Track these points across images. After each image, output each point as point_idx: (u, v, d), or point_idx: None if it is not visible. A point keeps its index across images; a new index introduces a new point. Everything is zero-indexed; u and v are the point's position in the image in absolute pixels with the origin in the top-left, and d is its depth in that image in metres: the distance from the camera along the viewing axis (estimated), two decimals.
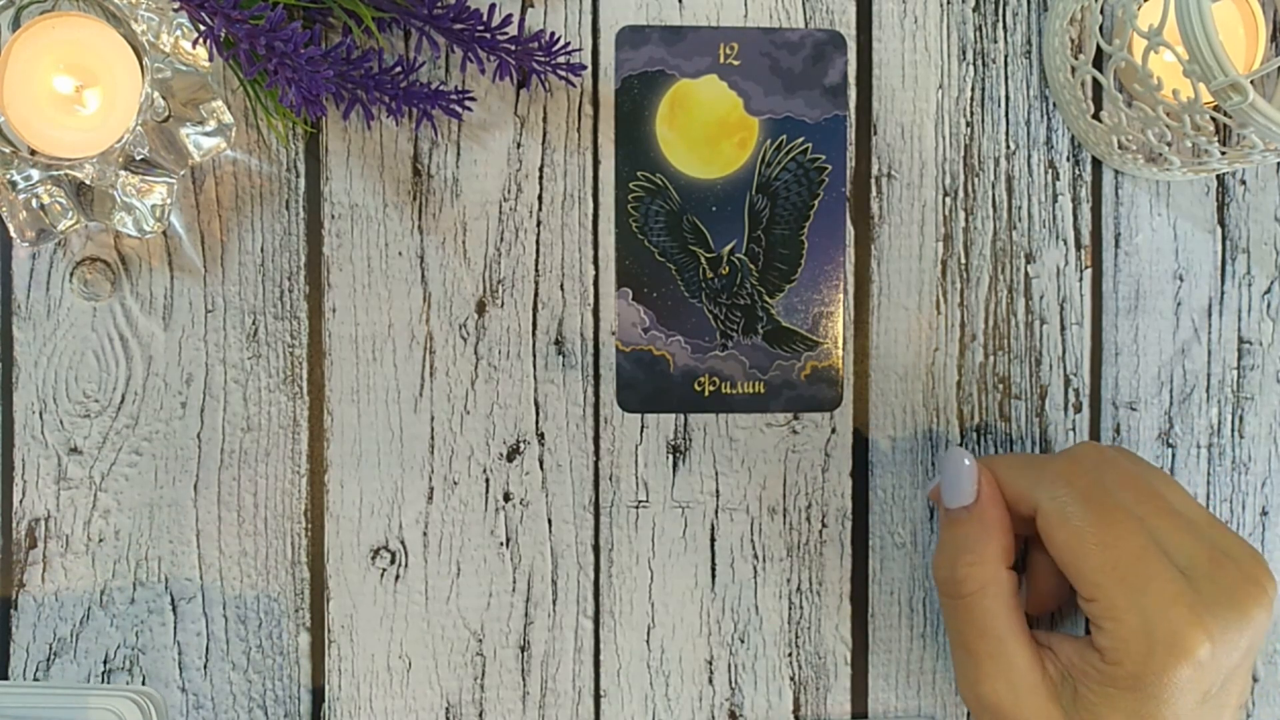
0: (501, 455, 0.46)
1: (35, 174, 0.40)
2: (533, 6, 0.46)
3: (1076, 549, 0.39)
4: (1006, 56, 0.47)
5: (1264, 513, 0.48)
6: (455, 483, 0.46)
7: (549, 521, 0.46)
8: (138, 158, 0.40)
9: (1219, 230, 0.48)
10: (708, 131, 0.46)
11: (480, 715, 0.46)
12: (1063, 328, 0.47)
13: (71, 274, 0.45)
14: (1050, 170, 0.47)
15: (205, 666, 0.45)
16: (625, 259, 0.46)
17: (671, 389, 0.46)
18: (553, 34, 0.42)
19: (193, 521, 0.45)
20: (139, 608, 0.45)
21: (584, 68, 0.45)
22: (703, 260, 0.46)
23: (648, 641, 0.46)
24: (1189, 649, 0.37)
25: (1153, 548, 0.38)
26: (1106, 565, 0.39)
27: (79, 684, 0.44)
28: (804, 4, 0.46)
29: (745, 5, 0.46)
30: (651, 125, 0.46)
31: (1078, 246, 0.47)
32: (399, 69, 0.41)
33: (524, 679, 0.46)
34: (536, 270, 0.46)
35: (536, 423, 0.46)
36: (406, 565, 0.46)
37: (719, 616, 0.47)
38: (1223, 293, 0.48)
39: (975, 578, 0.41)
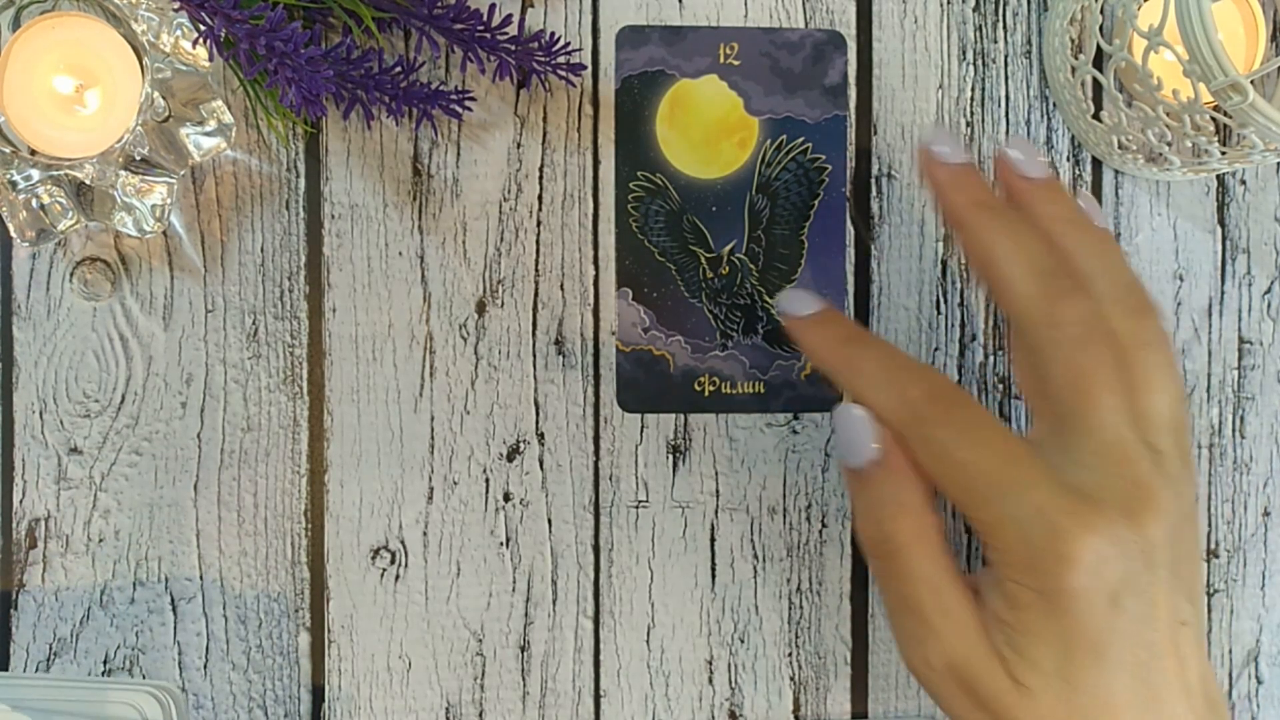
0: (501, 455, 0.46)
1: (35, 174, 0.40)
2: (533, 6, 0.46)
3: (939, 469, 0.37)
4: (1006, 56, 0.47)
5: (1266, 513, 0.48)
6: (455, 483, 0.46)
7: (549, 521, 0.46)
8: (138, 158, 0.40)
9: (1219, 230, 0.48)
10: (708, 131, 0.46)
11: (480, 715, 0.46)
12: None
13: (71, 274, 0.45)
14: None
15: (205, 666, 0.45)
16: (625, 259, 0.46)
17: (672, 389, 0.46)
18: (553, 34, 0.42)
19: (193, 521, 0.45)
20: (139, 608, 0.45)
21: (584, 68, 0.45)
22: (703, 260, 0.46)
23: (648, 641, 0.46)
24: (1072, 553, 0.35)
25: (1022, 450, 0.36)
26: (971, 479, 0.36)
27: (98, 678, 0.44)
28: (804, 4, 0.46)
29: (745, 5, 0.46)
30: (651, 125, 0.46)
31: None
32: (399, 69, 0.41)
33: (524, 679, 0.46)
34: (536, 270, 0.46)
35: (536, 423, 0.46)
36: (406, 565, 0.46)
37: (719, 616, 0.47)
38: (1223, 293, 0.48)
39: (906, 529, 0.37)
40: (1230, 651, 0.48)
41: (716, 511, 0.47)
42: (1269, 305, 0.48)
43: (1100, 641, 0.36)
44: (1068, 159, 0.47)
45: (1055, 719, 0.36)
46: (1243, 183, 0.48)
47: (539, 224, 0.46)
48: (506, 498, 0.46)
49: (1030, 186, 0.39)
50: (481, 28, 0.41)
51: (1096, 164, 0.47)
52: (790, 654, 0.47)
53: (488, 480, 0.46)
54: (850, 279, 0.47)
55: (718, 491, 0.46)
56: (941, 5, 0.47)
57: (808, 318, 0.40)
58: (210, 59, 0.41)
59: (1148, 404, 0.37)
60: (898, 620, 0.38)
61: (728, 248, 0.46)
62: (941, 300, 0.47)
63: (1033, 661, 0.36)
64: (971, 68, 0.47)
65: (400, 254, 0.46)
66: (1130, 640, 0.36)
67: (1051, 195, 0.39)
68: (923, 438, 0.37)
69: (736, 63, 0.46)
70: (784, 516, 0.47)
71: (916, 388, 0.37)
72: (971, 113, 0.47)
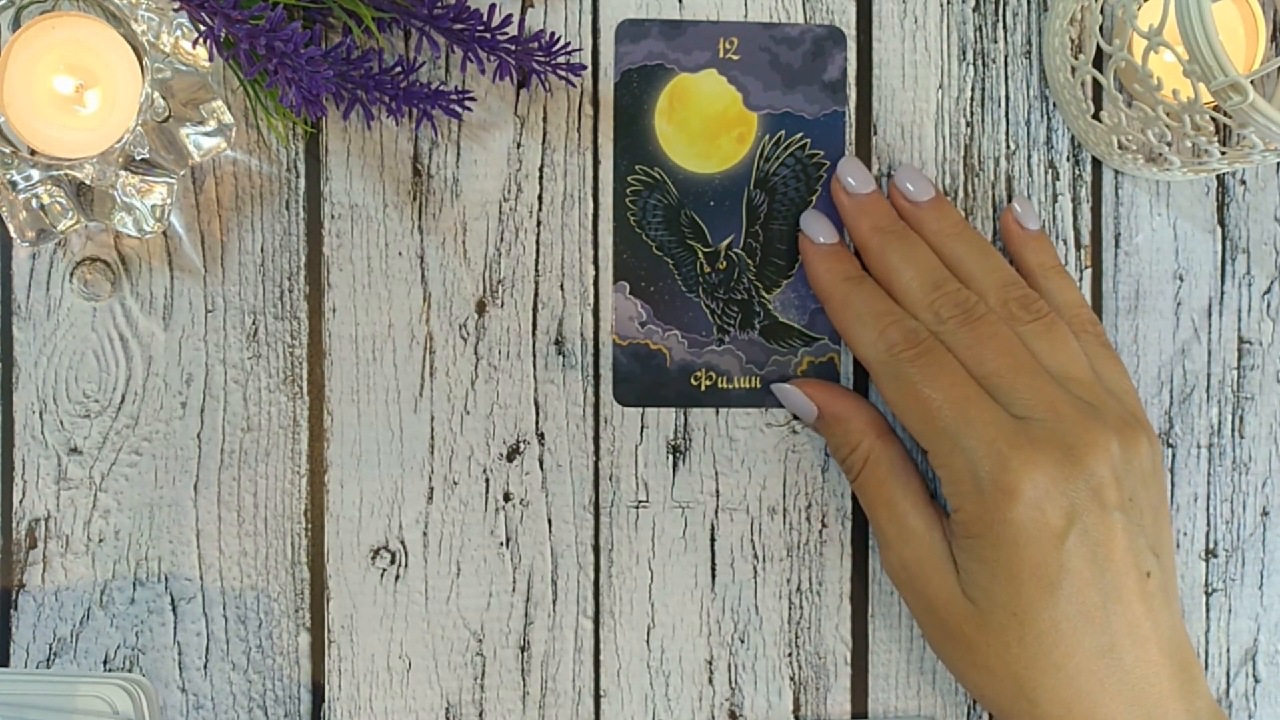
0: (501, 455, 0.46)
1: (35, 174, 0.40)
2: (533, 6, 0.46)
3: (903, 402, 0.41)
4: (1006, 56, 0.47)
5: (1265, 513, 0.48)
6: (455, 483, 0.46)
7: (549, 521, 0.46)
8: (138, 158, 0.40)
9: (1219, 230, 0.48)
10: (706, 126, 0.46)
11: (480, 715, 0.46)
12: None
13: (71, 274, 0.45)
14: (1050, 170, 0.47)
15: (205, 666, 0.45)
16: (622, 253, 0.46)
17: (668, 383, 0.46)
18: (553, 34, 0.42)
19: (193, 521, 0.45)
20: (139, 608, 0.45)
21: (584, 68, 0.45)
22: (700, 255, 0.46)
23: (648, 641, 0.47)
24: (1013, 485, 0.38)
25: (979, 396, 0.40)
26: (931, 413, 0.40)
27: (71, 673, 0.44)
28: (804, 2, 0.46)
29: (745, 1, 0.46)
30: (650, 119, 0.46)
31: (1078, 246, 0.47)
32: (399, 69, 0.41)
33: (524, 679, 0.46)
34: (536, 270, 0.46)
35: (536, 423, 0.46)
36: (406, 565, 0.46)
37: (719, 616, 0.47)
38: (1223, 293, 0.48)
39: (858, 457, 0.44)
40: (1228, 650, 0.48)
41: (716, 511, 0.47)
42: (1269, 305, 0.48)
43: (1048, 576, 0.38)
44: (1068, 159, 0.47)
45: (1005, 642, 0.39)
46: (1243, 183, 0.48)
47: (539, 224, 0.46)
48: (506, 498, 0.46)
49: (918, 209, 0.45)
50: (481, 28, 0.41)
51: (1096, 164, 0.48)
52: (790, 654, 0.47)
53: (488, 480, 0.46)
54: None
55: (718, 491, 0.47)
56: (941, 5, 0.47)
57: (821, 246, 0.45)
58: (210, 59, 0.41)
59: (1063, 364, 0.42)
60: (873, 529, 0.45)
61: (725, 243, 0.46)
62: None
63: (983, 588, 0.40)
64: (971, 68, 0.47)
65: (400, 254, 0.45)
66: (1082, 580, 0.38)
67: (938, 213, 0.45)
68: (894, 374, 0.42)
69: (736, 57, 0.46)
70: (784, 516, 0.47)
71: (896, 329, 0.42)
72: (971, 113, 0.47)
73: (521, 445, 0.46)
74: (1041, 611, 0.39)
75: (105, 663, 0.45)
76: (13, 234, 0.41)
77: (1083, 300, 0.45)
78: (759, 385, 0.46)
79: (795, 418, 0.47)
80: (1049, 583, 0.38)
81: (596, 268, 0.46)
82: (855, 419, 0.44)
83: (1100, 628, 0.38)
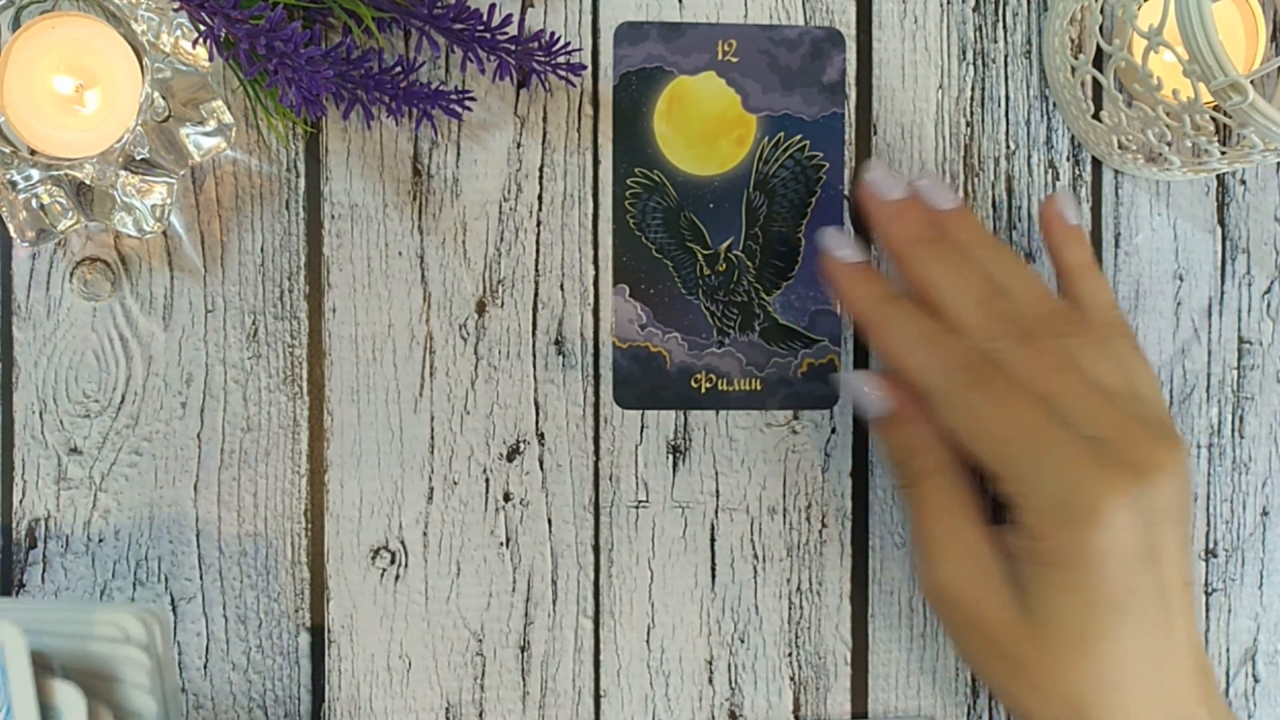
0: (501, 455, 0.46)
1: (35, 174, 0.40)
2: (533, 6, 0.46)
3: (971, 428, 0.40)
4: (1006, 56, 0.47)
5: (1264, 513, 0.48)
6: (455, 483, 0.46)
7: (549, 521, 0.46)
8: (138, 158, 0.40)
9: (1219, 230, 0.48)
10: (705, 128, 0.46)
11: (480, 715, 0.46)
12: None
13: (71, 274, 0.45)
14: (1050, 170, 0.47)
15: (205, 666, 0.45)
16: (622, 255, 0.46)
17: (668, 386, 0.46)
18: (553, 34, 0.42)
19: (193, 521, 0.45)
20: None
21: (584, 68, 0.45)
22: (700, 257, 0.46)
23: (648, 641, 0.47)
24: (1095, 510, 0.37)
25: (1051, 419, 0.39)
26: (1003, 439, 0.39)
27: (86, 600, 0.44)
28: (804, 3, 0.46)
29: (745, 3, 0.46)
30: (649, 122, 0.46)
31: None
32: (399, 69, 0.41)
33: (524, 679, 0.46)
34: (536, 270, 0.46)
35: (536, 423, 0.46)
36: (406, 565, 0.46)
37: (719, 616, 0.47)
38: (1223, 293, 0.48)
39: (924, 464, 0.42)
40: (1228, 650, 0.48)
41: (716, 511, 0.47)
42: (1269, 305, 0.48)
43: (1120, 598, 0.38)
44: (1068, 159, 0.47)
45: (1068, 662, 0.38)
46: (1243, 183, 0.48)
47: (539, 224, 0.46)
48: (506, 498, 0.46)
49: (943, 219, 0.43)
50: (481, 28, 0.41)
51: (1096, 164, 0.48)
52: (790, 654, 0.47)
53: (488, 480, 0.46)
54: None
55: (718, 491, 0.47)
56: (941, 5, 0.47)
57: (846, 265, 0.44)
58: (210, 59, 0.41)
59: (1108, 379, 0.40)
60: (915, 543, 0.42)
61: (725, 245, 0.46)
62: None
63: (1054, 610, 0.38)
64: (971, 68, 0.47)
65: (400, 254, 0.45)
66: (1147, 599, 0.38)
67: (964, 223, 0.43)
68: (957, 400, 0.40)
69: (735, 59, 0.46)
70: (784, 516, 0.47)
71: (952, 353, 0.40)
72: (971, 113, 0.47)
73: (521, 445, 0.46)
74: (1110, 632, 0.38)
75: None
76: (13, 234, 0.41)
77: (1114, 302, 0.44)
78: (759, 387, 0.46)
79: (795, 417, 0.47)
80: (1120, 604, 0.38)
81: (596, 267, 0.46)
82: (925, 422, 0.42)
83: (1158, 643, 0.38)
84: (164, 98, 0.40)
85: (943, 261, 0.42)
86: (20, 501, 0.45)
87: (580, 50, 0.46)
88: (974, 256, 0.42)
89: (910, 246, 0.43)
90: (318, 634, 0.46)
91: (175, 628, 0.45)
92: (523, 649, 0.46)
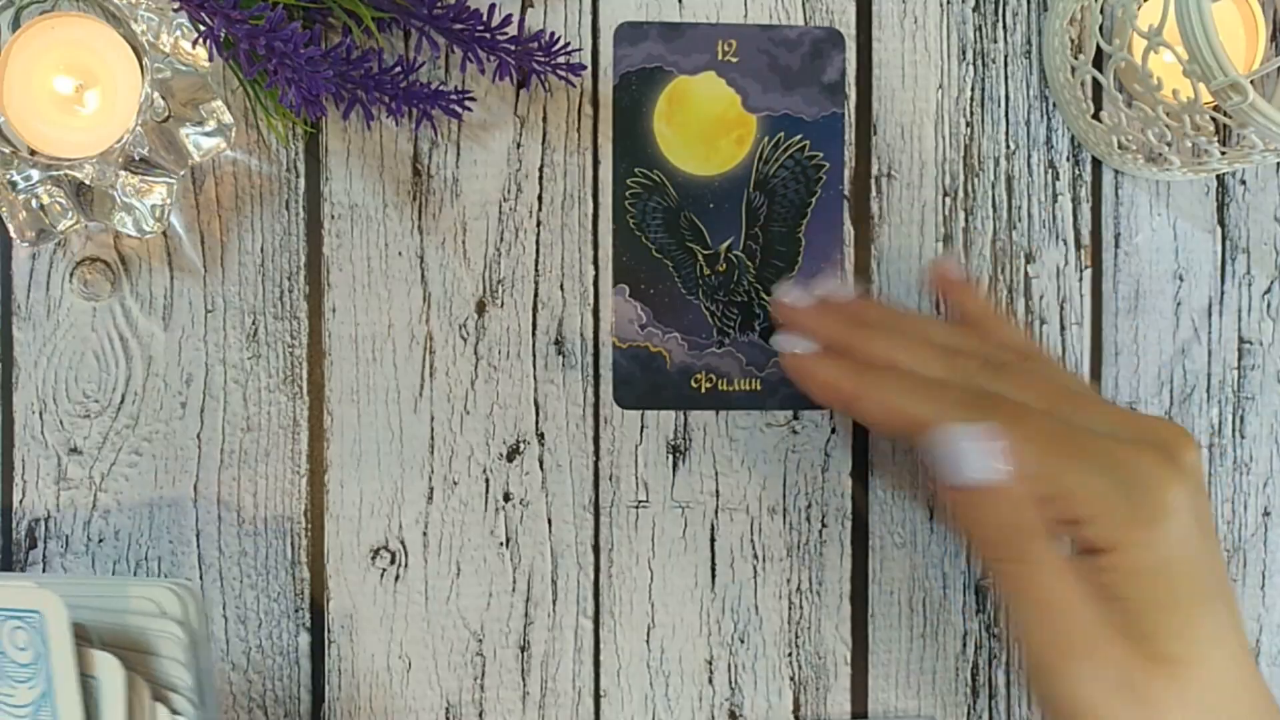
0: (501, 455, 0.46)
1: (35, 174, 0.40)
2: (533, 6, 0.46)
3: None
4: (1006, 56, 0.47)
5: (1266, 513, 0.48)
6: (455, 483, 0.46)
7: (549, 521, 0.46)
8: (138, 158, 0.40)
9: (1219, 230, 0.48)
10: (705, 128, 0.46)
11: (480, 715, 0.46)
12: (1063, 328, 0.47)
13: (71, 274, 0.45)
14: (1050, 170, 0.47)
15: None
16: (622, 255, 0.46)
17: (668, 385, 0.46)
18: (553, 34, 0.42)
19: (193, 521, 0.45)
20: None
21: (584, 68, 0.45)
22: (700, 257, 0.46)
23: (648, 641, 0.46)
24: (1164, 502, 0.36)
25: (1067, 427, 0.38)
26: (1038, 455, 0.37)
27: (120, 575, 0.45)
28: (804, 3, 0.46)
29: (745, 3, 0.46)
30: (649, 122, 0.46)
31: (1078, 246, 0.47)
32: (399, 69, 0.41)
33: (524, 679, 0.46)
34: (536, 270, 0.46)
35: (536, 423, 0.46)
36: (406, 565, 0.46)
37: (719, 616, 0.47)
38: (1223, 293, 0.48)
39: (1031, 541, 0.37)
40: None
41: (716, 511, 0.47)
42: (1269, 305, 0.48)
43: (1200, 583, 0.37)
44: (1068, 159, 0.47)
45: (1205, 672, 0.37)
46: (1243, 183, 0.48)
47: (539, 224, 0.46)
48: (506, 498, 0.46)
49: (854, 308, 0.44)
50: (481, 28, 0.41)
51: (1096, 164, 0.48)
52: (790, 654, 0.47)
53: (488, 480, 0.46)
54: (850, 279, 0.47)
55: (718, 491, 0.47)
56: (941, 5, 0.47)
57: (806, 357, 0.42)
58: (210, 59, 0.41)
59: (1083, 390, 0.42)
60: (1040, 657, 0.37)
61: (725, 245, 0.46)
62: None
63: (1148, 617, 0.37)
64: (971, 68, 0.47)
65: (400, 254, 0.45)
66: (1219, 574, 0.38)
67: (872, 306, 0.45)
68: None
69: (735, 60, 0.46)
70: (784, 516, 0.47)
71: (952, 394, 0.39)
72: (971, 113, 0.47)
73: (521, 445, 0.46)
74: (1209, 618, 0.37)
75: None
76: (13, 234, 0.41)
77: (1024, 336, 0.45)
78: (759, 387, 0.46)
79: (795, 417, 0.47)
80: (1201, 588, 0.37)
81: (596, 267, 0.46)
82: (1023, 487, 0.37)
83: (1234, 613, 0.38)
84: (164, 98, 0.40)
85: (888, 332, 0.41)
86: (20, 501, 0.45)
87: (580, 50, 0.46)
88: (907, 328, 0.42)
89: (850, 332, 0.42)
90: (318, 634, 0.46)
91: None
92: (523, 649, 0.46)
